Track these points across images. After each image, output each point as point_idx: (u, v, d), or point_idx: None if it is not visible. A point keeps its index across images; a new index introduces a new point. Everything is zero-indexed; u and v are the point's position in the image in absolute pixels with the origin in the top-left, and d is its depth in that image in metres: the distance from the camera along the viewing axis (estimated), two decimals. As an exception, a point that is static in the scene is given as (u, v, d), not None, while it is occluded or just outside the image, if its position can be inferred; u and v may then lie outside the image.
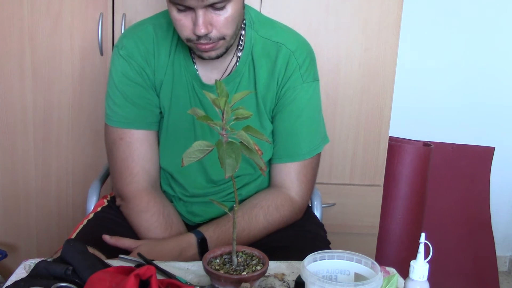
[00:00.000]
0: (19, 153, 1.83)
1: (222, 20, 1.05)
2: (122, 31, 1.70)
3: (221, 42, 1.08)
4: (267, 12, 1.65)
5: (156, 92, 1.21)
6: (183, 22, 1.05)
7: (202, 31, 1.03)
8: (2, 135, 1.81)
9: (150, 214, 1.18)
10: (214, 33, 1.05)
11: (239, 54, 1.19)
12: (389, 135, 1.86)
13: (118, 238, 1.14)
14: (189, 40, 1.07)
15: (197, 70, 1.19)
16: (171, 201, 1.28)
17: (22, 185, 1.86)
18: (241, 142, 0.80)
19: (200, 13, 1.02)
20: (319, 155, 1.27)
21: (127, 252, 1.09)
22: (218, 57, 1.11)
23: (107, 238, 1.13)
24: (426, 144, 2.11)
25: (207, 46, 1.07)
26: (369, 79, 1.79)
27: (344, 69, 1.79)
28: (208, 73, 1.20)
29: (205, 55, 1.10)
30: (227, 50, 1.12)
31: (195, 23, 1.03)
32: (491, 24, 2.32)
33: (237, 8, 1.06)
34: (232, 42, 1.12)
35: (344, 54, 1.78)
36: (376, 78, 1.79)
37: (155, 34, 1.19)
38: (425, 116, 2.38)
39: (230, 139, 0.81)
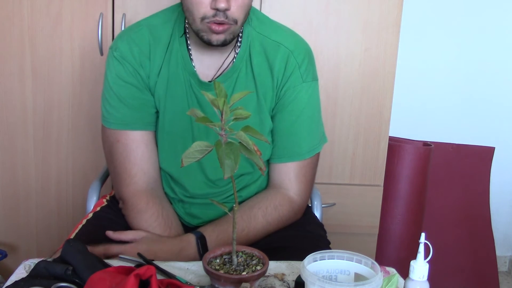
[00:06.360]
0: (19, 153, 1.83)
1: (239, 2, 1.08)
2: (122, 31, 1.70)
3: (232, 27, 1.09)
4: (267, 12, 1.64)
5: (151, 92, 1.21)
6: None
7: (222, 5, 1.04)
8: (2, 135, 1.81)
9: (149, 215, 1.18)
10: (231, 12, 1.07)
11: (237, 50, 1.19)
12: (389, 135, 1.86)
13: (121, 232, 1.16)
14: (204, 18, 1.07)
15: (194, 67, 1.19)
16: (170, 203, 1.28)
17: (22, 185, 1.85)
18: (240, 142, 0.80)
19: None
20: (318, 154, 1.27)
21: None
22: (225, 44, 1.11)
23: (110, 233, 1.15)
24: (426, 144, 2.10)
25: (221, 28, 1.07)
26: (369, 79, 1.79)
27: (344, 69, 1.79)
28: (205, 70, 1.20)
29: (215, 38, 1.09)
30: (233, 39, 1.12)
31: None
32: (491, 24, 2.32)
33: None
34: (238, 33, 1.13)
35: (344, 54, 1.78)
36: (376, 78, 1.79)
37: (150, 35, 1.19)
38: (425, 116, 2.38)
39: (229, 140, 0.81)
